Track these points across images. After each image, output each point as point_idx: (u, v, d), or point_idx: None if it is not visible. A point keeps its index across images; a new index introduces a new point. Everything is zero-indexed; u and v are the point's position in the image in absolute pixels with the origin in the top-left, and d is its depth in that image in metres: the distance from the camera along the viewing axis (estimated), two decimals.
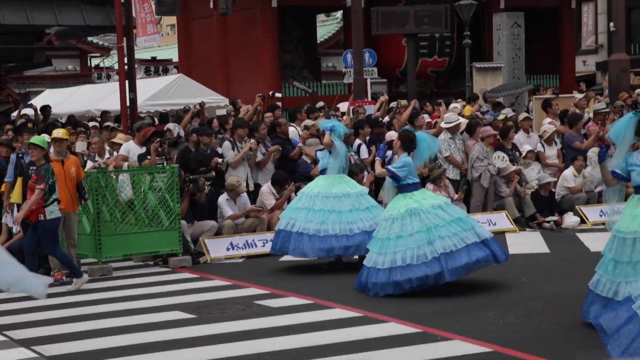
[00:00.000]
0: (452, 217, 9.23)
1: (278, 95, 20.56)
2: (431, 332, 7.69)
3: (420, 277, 8.98)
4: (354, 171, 11.97)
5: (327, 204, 10.63)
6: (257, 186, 13.51)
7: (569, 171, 14.48)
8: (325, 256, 10.71)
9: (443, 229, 9.11)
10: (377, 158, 10.00)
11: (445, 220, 9.17)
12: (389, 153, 10.31)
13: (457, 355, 6.97)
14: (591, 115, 16.45)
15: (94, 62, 42.62)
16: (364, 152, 14.10)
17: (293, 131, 14.45)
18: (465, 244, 9.09)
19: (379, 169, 9.70)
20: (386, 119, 16.02)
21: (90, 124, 17.78)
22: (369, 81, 22.47)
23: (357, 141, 14.14)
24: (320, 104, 18.53)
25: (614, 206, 7.71)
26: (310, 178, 13.13)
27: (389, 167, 9.46)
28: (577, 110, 16.59)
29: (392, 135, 13.96)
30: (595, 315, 7.16)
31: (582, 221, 13.86)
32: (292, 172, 13.51)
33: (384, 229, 9.32)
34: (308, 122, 14.53)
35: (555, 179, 14.56)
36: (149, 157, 12.39)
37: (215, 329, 8.14)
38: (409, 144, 9.47)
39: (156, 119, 18.04)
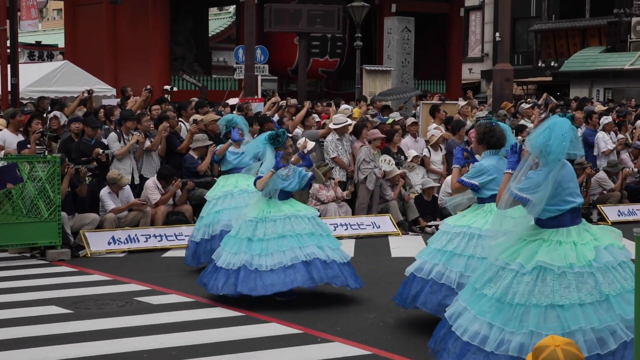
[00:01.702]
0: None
1: (175, 89, 20.36)
2: (312, 333, 7.71)
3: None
4: None
5: (241, 201, 10.07)
6: (143, 179, 13.27)
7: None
8: None
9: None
10: None
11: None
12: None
13: (336, 357, 7.01)
14: (473, 122, 16.86)
15: None
16: None
17: (180, 126, 14.23)
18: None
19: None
20: (275, 117, 16.02)
21: None
22: (259, 78, 22.48)
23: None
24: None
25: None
26: (196, 174, 13.02)
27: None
28: (460, 117, 16.97)
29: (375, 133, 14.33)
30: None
31: None
32: (179, 167, 13.32)
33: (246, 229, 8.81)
34: (197, 116, 14.35)
35: (439, 184, 14.86)
36: (29, 145, 12.02)
37: (93, 325, 7.94)
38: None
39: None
